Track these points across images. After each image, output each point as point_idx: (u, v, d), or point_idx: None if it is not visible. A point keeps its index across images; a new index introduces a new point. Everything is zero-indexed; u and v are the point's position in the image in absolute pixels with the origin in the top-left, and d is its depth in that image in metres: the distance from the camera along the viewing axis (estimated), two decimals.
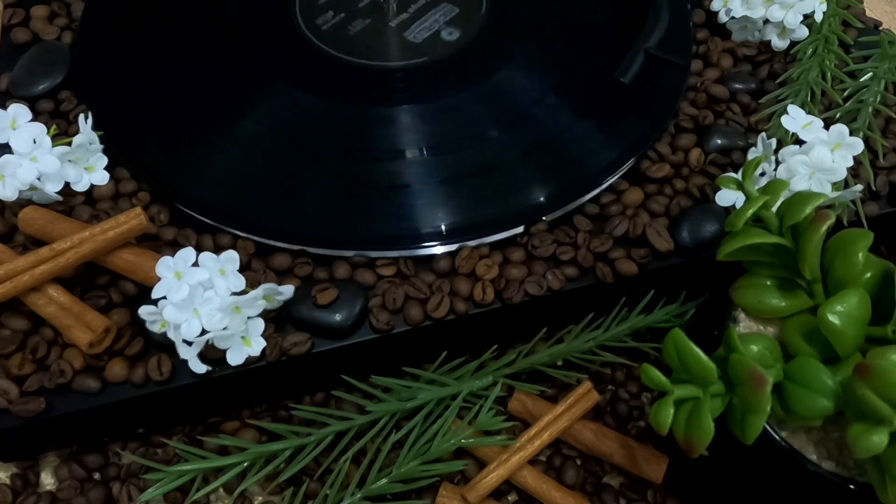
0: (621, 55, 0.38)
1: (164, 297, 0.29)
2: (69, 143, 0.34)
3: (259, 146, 0.37)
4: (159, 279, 0.30)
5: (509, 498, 0.35)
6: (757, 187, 0.32)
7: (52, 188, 0.34)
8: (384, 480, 0.33)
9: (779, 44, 0.41)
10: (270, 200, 0.36)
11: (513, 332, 0.36)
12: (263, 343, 0.31)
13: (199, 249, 0.31)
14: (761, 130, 0.38)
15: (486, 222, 0.35)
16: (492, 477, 0.33)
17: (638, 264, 0.34)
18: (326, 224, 0.35)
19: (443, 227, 0.35)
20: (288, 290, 0.32)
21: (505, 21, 0.42)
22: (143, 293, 0.32)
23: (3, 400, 0.31)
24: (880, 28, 0.43)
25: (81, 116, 0.35)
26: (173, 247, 0.34)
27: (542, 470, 0.35)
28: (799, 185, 0.33)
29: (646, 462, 0.34)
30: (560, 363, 0.36)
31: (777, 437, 0.28)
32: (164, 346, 0.32)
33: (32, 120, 0.34)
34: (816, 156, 0.33)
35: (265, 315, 0.32)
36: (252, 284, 0.32)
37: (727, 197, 0.34)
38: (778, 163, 0.34)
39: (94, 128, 0.35)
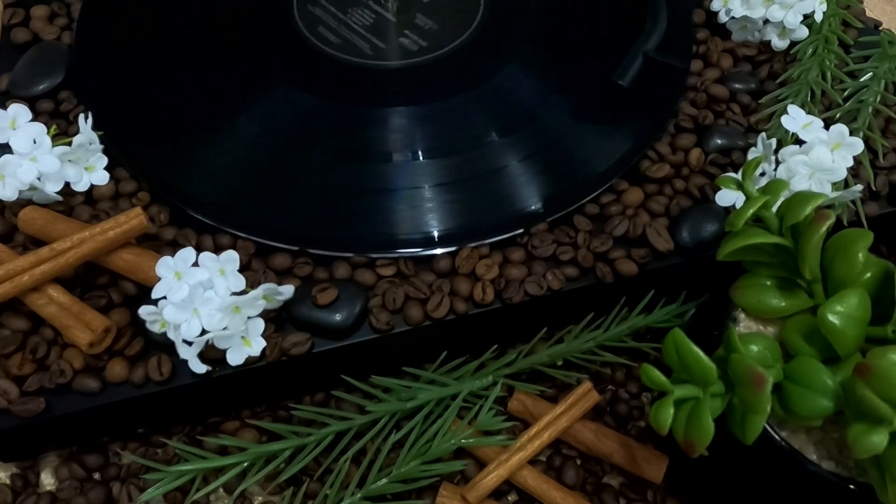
0: (622, 56, 0.38)
1: (164, 297, 0.29)
2: (69, 143, 0.34)
3: (259, 146, 0.37)
4: (159, 279, 0.30)
5: (509, 498, 0.35)
6: (757, 187, 0.32)
7: (52, 188, 0.34)
8: (384, 480, 0.33)
9: (779, 44, 0.41)
10: (271, 200, 0.36)
11: (513, 332, 0.36)
12: (263, 343, 0.31)
13: (199, 249, 0.31)
14: (761, 130, 0.38)
15: (487, 225, 0.35)
16: (492, 477, 0.33)
17: (638, 264, 0.34)
18: (326, 225, 0.35)
19: (443, 229, 0.35)
20: (288, 290, 0.32)
21: (500, 30, 0.42)
22: (143, 293, 0.32)
23: (3, 400, 0.31)
24: (880, 28, 0.43)
25: (81, 116, 0.35)
26: (173, 247, 0.34)
27: (542, 470, 0.35)
28: (799, 185, 0.33)
29: (646, 462, 0.34)
30: (560, 363, 0.36)
31: (777, 437, 0.28)
32: (164, 346, 0.32)
33: (32, 120, 0.34)
34: (816, 156, 0.33)
35: (265, 315, 0.32)
36: (252, 284, 0.32)
37: (727, 197, 0.34)
38: (778, 163, 0.34)
39: (94, 128, 0.35)
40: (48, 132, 0.34)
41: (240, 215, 0.35)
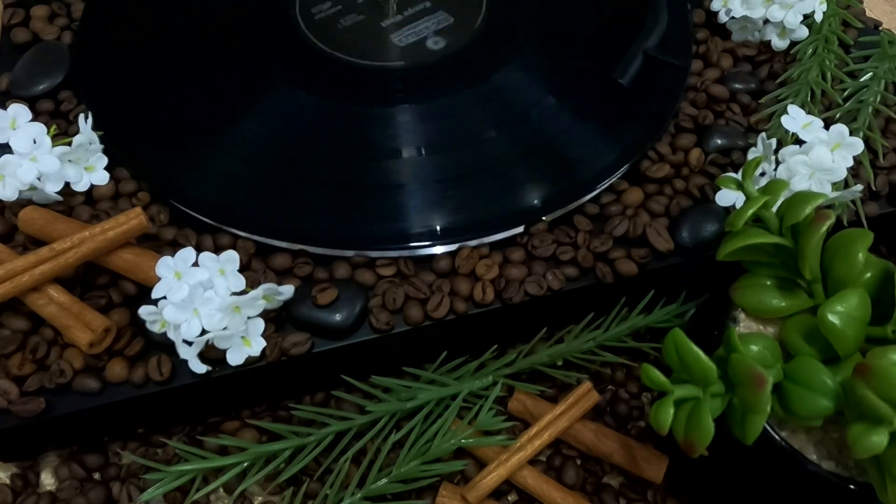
0: (622, 55, 0.38)
1: (164, 297, 0.29)
2: (69, 143, 0.34)
3: (259, 146, 0.37)
4: (159, 279, 0.30)
5: (509, 498, 0.35)
6: (757, 187, 0.32)
7: (52, 188, 0.34)
8: (384, 480, 0.33)
9: (779, 44, 0.41)
10: (270, 200, 0.36)
11: (513, 332, 0.36)
12: (263, 343, 0.31)
13: (199, 249, 0.31)
14: (761, 130, 0.38)
15: (487, 222, 0.35)
16: (492, 477, 0.33)
17: (638, 264, 0.34)
18: (326, 224, 0.35)
19: (443, 227, 0.35)
20: (288, 290, 0.32)
21: (501, 29, 0.42)
22: (143, 293, 0.32)
23: (3, 400, 0.31)
24: (880, 28, 0.43)
25: (81, 116, 0.35)
26: (173, 247, 0.34)
27: (542, 470, 0.35)
28: (799, 185, 0.33)
29: (646, 462, 0.34)
30: (560, 363, 0.36)
31: (777, 437, 0.28)
32: (164, 346, 0.32)
33: (32, 120, 0.34)
34: (816, 156, 0.33)
35: (265, 315, 0.32)
36: (252, 284, 0.32)
37: (727, 197, 0.34)
38: (778, 163, 0.34)
39: (94, 128, 0.35)
40: (48, 132, 0.34)
41: (240, 215, 0.35)
